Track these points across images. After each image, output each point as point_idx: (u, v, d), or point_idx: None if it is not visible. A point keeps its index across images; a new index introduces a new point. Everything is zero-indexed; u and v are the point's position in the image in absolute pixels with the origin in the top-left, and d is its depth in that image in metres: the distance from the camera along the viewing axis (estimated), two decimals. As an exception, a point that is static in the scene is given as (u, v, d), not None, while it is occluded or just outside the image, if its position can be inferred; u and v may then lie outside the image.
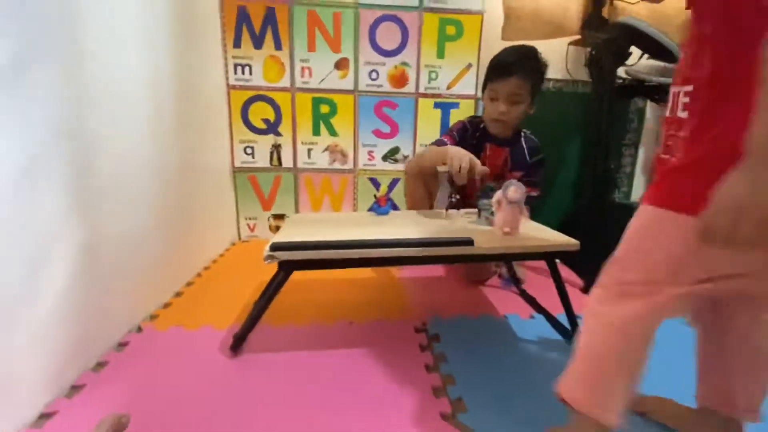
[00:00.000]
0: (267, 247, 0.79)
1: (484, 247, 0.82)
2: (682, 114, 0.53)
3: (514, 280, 1.27)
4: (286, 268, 0.81)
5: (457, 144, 1.24)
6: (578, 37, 1.58)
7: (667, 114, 0.56)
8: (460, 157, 1.04)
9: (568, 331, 0.97)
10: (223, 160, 1.64)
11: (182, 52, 1.26)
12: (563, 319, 1.02)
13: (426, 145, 1.66)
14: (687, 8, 0.54)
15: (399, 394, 0.78)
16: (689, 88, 0.52)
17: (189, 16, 1.32)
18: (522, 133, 1.31)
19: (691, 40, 0.52)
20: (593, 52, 1.40)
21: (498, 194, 0.91)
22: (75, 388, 0.77)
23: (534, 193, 1.25)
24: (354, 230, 0.93)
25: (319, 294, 1.22)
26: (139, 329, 1.00)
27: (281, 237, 0.84)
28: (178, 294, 1.21)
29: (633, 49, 1.31)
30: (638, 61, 1.33)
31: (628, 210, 1.70)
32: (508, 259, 0.86)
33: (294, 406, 0.74)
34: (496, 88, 1.20)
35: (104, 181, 0.87)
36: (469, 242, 0.82)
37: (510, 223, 0.90)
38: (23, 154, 0.65)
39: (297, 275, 0.84)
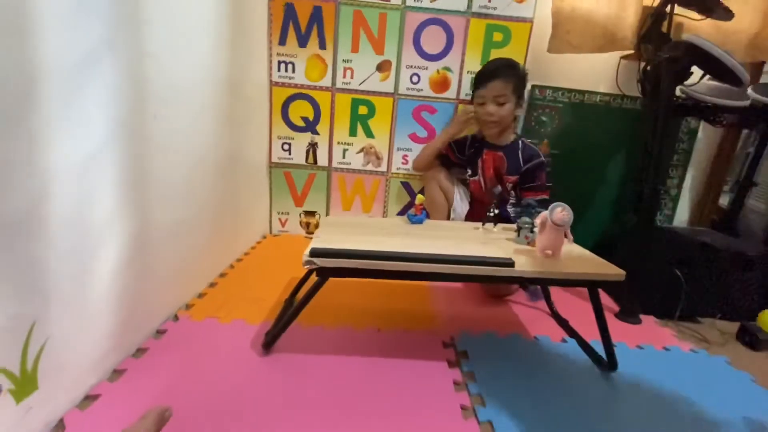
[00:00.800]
0: (306, 252, 0.80)
1: (525, 270, 0.80)
2: None
3: (546, 296, 1.24)
4: (324, 274, 0.82)
5: (453, 152, 1.55)
6: (631, 51, 1.51)
7: None
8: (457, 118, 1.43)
9: (603, 361, 0.94)
10: (261, 155, 1.67)
11: (231, 49, 1.28)
12: (596, 345, 0.99)
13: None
14: None
15: (426, 409, 0.77)
16: None
17: (238, 14, 1.35)
18: (520, 141, 1.44)
19: None
20: (648, 68, 1.33)
21: (544, 215, 0.89)
22: (117, 373, 0.81)
23: (543, 196, 1.37)
24: (389, 239, 0.93)
25: (347, 298, 1.22)
26: (176, 318, 1.04)
27: (319, 242, 0.85)
28: (211, 285, 1.25)
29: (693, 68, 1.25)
30: (699, 81, 1.26)
31: (671, 235, 1.63)
32: (548, 284, 0.83)
33: (320, 407, 0.75)
34: (482, 93, 1.40)
35: (155, 174, 0.90)
36: (509, 264, 0.80)
37: (552, 246, 0.87)
38: (83, 150, 0.68)
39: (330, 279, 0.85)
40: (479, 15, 1.58)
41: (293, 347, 0.94)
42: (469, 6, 1.57)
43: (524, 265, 0.81)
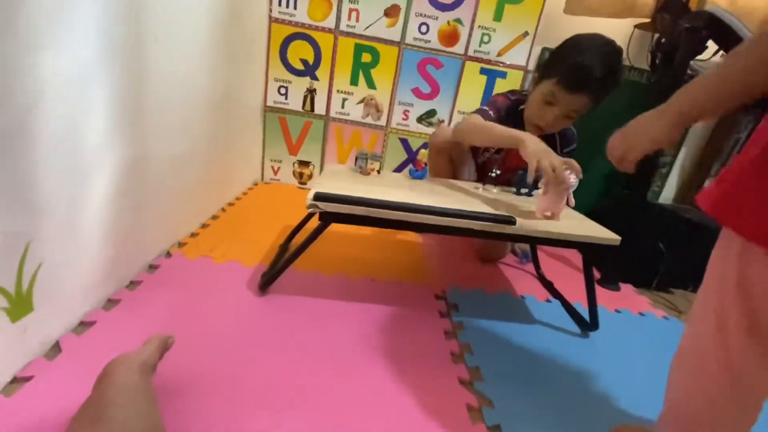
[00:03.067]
0: (310, 195, 0.78)
1: (525, 228, 0.82)
2: (755, 150, 0.49)
3: (534, 259, 1.28)
4: (327, 219, 0.81)
5: (500, 121, 1.09)
6: (647, 20, 1.47)
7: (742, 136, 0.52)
8: (546, 154, 0.85)
9: (585, 322, 0.99)
10: (256, 97, 1.60)
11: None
12: (579, 308, 1.04)
13: (465, 114, 1.60)
14: None
15: (418, 355, 0.81)
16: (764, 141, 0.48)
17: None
18: None
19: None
20: (663, 40, 1.30)
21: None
22: (111, 302, 0.80)
23: None
24: (392, 191, 0.92)
25: (343, 246, 1.23)
26: (169, 254, 1.02)
27: (322, 187, 0.83)
28: (204, 225, 1.23)
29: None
30: (711, 57, 1.24)
31: (659, 210, 1.67)
32: (546, 243, 0.85)
33: (315, 351, 0.77)
34: (559, 97, 1.02)
35: (152, 102, 0.85)
36: (511, 221, 0.81)
37: (554, 208, 0.89)
38: (76, 63, 0.62)
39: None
40: (498, -36, 1.49)
41: (288, 290, 0.95)
42: (489, -47, 1.47)
43: (525, 223, 0.82)
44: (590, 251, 0.93)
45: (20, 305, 0.60)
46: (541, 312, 1.05)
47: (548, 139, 1.14)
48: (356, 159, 1.09)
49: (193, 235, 1.16)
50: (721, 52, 1.21)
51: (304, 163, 1.74)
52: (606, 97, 1.03)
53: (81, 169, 0.67)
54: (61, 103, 0.61)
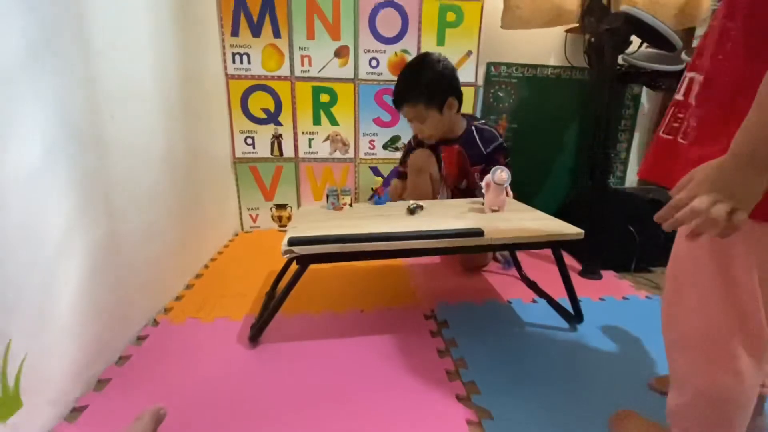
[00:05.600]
0: (285, 242, 0.81)
1: (494, 237, 0.86)
2: (692, 101, 0.55)
3: (515, 263, 1.32)
4: (303, 262, 0.84)
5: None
6: (576, 24, 1.58)
7: (678, 96, 0.58)
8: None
9: (571, 316, 1.02)
10: (224, 150, 1.64)
11: (183, 42, 1.24)
12: (564, 303, 1.07)
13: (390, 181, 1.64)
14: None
15: (414, 377, 0.82)
16: (701, 77, 0.54)
17: (186, 6, 1.30)
18: (473, 127, 1.31)
19: (714, 30, 0.53)
20: (593, 40, 1.41)
21: (487, 177, 1.03)
22: (102, 382, 0.80)
23: None
24: (363, 222, 0.96)
25: (328, 283, 1.25)
26: (155, 323, 1.02)
27: (295, 231, 0.86)
28: (188, 286, 1.23)
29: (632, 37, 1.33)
30: (638, 49, 1.35)
31: (624, 196, 1.75)
32: (515, 248, 0.89)
33: (314, 392, 0.78)
34: (402, 115, 1.31)
35: (117, 176, 0.88)
36: (479, 233, 0.85)
37: (497, 202, 1.03)
38: (31, 154, 0.65)
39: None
40: (431, -5, 1.59)
41: (279, 337, 0.96)
42: (421, -13, 1.58)
43: (492, 233, 0.86)
44: (564, 247, 0.97)
45: (8, 403, 0.60)
46: (528, 314, 1.08)
47: (470, 142, 1.30)
48: (326, 196, 1.13)
49: (178, 298, 1.16)
50: (645, 44, 1.31)
51: (281, 207, 1.77)
52: (426, 91, 1.21)
53: (49, 256, 0.68)
54: (20, 195, 0.62)
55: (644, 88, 1.80)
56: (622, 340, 0.97)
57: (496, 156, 1.29)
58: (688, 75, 0.58)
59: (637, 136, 1.89)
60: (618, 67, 1.44)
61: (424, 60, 1.25)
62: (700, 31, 1.59)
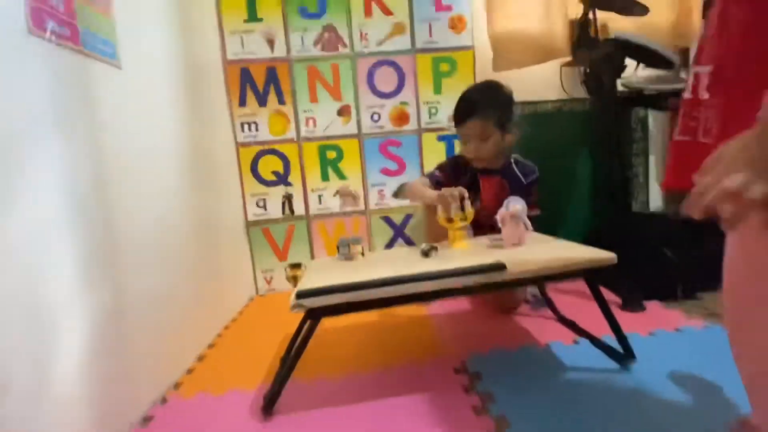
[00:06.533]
0: (293, 296, 0.76)
1: (518, 270, 0.79)
2: (704, 95, 0.51)
3: (547, 301, 1.21)
4: (315, 316, 0.77)
5: (450, 178, 1.29)
6: (569, 58, 1.62)
7: (686, 95, 0.55)
8: (447, 199, 1.06)
9: (620, 354, 0.90)
10: (236, 215, 1.65)
11: (192, 115, 1.31)
12: (608, 340, 0.95)
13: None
14: None
15: (451, 444, 0.71)
16: (709, 68, 0.51)
17: (196, 82, 1.39)
18: (512, 159, 1.31)
19: (712, 20, 0.51)
20: (588, 70, 1.42)
21: (501, 211, 0.99)
22: (100, 474, 0.71)
23: (534, 213, 1.22)
24: (374, 269, 0.90)
25: (346, 342, 1.16)
26: (164, 401, 0.95)
27: (306, 284, 0.82)
28: (200, 358, 1.16)
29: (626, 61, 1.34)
30: (634, 71, 1.35)
31: (650, 218, 1.65)
32: (544, 281, 0.82)
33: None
34: (462, 132, 1.26)
35: (123, 244, 0.87)
36: (501, 267, 0.79)
37: (516, 236, 0.96)
38: (35, 221, 0.64)
39: (322, 324, 0.80)
40: (424, 50, 1.68)
41: (297, 406, 0.86)
42: (413, 43, 1.67)
43: (516, 266, 0.79)
44: (598, 277, 0.88)
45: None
46: (571, 356, 0.96)
47: (510, 174, 1.27)
48: (338, 247, 1.09)
49: (189, 371, 1.09)
50: (641, 66, 1.31)
51: (296, 266, 1.74)
52: (498, 109, 1.21)
53: (47, 329, 0.65)
54: (19, 263, 0.61)
55: (649, 111, 1.78)
56: (686, 379, 0.83)
57: (532, 188, 1.28)
58: (693, 71, 0.55)
59: (652, 158, 1.84)
60: (619, 93, 1.44)
61: (495, 83, 1.27)
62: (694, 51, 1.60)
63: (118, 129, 0.89)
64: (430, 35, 1.67)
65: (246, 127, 1.66)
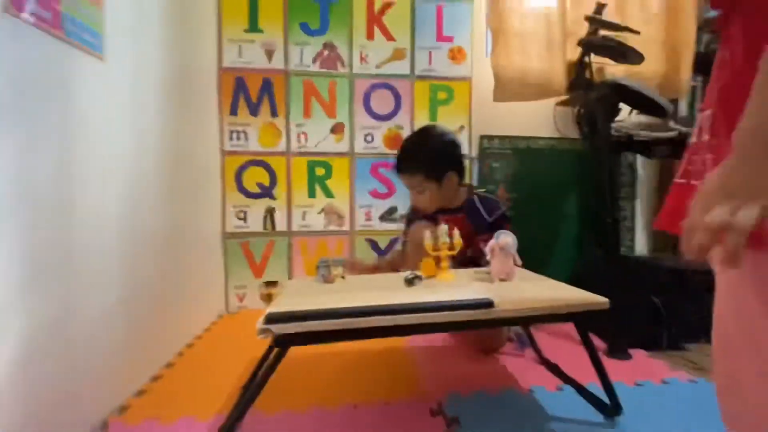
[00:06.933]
0: (261, 320, 0.69)
1: (506, 309, 0.74)
2: (705, 137, 0.50)
3: (531, 342, 1.16)
4: (284, 344, 0.70)
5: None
6: (564, 97, 1.65)
7: (692, 140, 0.53)
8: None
9: (605, 405, 0.85)
10: (214, 225, 1.58)
11: (179, 119, 1.26)
12: (593, 388, 0.90)
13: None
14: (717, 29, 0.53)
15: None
16: (710, 111, 0.50)
17: (187, 86, 1.35)
18: (475, 196, 1.26)
19: (716, 65, 0.51)
20: (582, 111, 1.44)
21: (491, 243, 0.95)
22: None
23: None
24: (355, 295, 0.84)
25: (316, 372, 1.08)
26: (104, 426, 0.84)
27: (278, 307, 0.75)
28: (155, 378, 1.06)
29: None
30: (628, 115, 1.37)
31: (641, 264, 1.64)
32: (532, 321, 0.77)
33: None
34: (404, 183, 1.27)
35: (80, 248, 0.79)
36: (488, 304, 0.74)
37: (505, 270, 0.93)
38: None
39: (291, 351, 0.73)
40: (422, 77, 1.69)
41: (253, 442, 0.77)
42: (412, 70, 1.68)
43: (504, 304, 0.74)
44: (585, 322, 0.84)
45: None
46: (555, 404, 0.90)
47: (473, 211, 1.24)
48: (317, 268, 1.03)
49: (139, 393, 0.98)
50: (635, 112, 1.33)
51: (271, 283, 1.65)
52: (425, 163, 1.20)
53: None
54: None
55: (638, 157, 1.81)
56: (675, 437, 0.79)
57: (501, 224, 1.18)
58: (699, 116, 0.54)
59: (638, 203, 1.85)
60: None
61: (426, 132, 1.28)
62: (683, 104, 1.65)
63: (94, 123, 0.83)
64: (430, 63, 1.68)
65: (235, 135, 1.61)
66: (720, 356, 0.46)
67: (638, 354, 1.19)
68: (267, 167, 1.63)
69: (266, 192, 1.63)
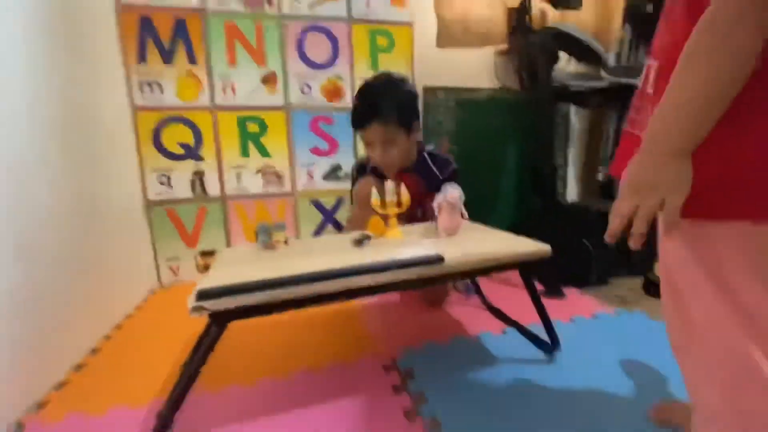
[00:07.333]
0: (191, 297, 0.61)
1: (455, 264, 0.73)
2: (650, 89, 0.50)
3: (477, 290, 1.20)
4: (220, 320, 0.64)
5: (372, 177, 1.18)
6: (505, 46, 1.62)
7: (639, 84, 0.53)
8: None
9: (547, 344, 0.91)
10: (132, 193, 1.39)
11: (68, 69, 1.04)
12: (534, 328, 0.96)
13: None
14: None
15: (379, 456, 0.64)
16: (656, 63, 0.49)
17: (75, 27, 1.11)
18: (425, 153, 1.20)
19: (664, 13, 0.49)
20: (523, 58, 1.42)
21: (438, 197, 0.94)
22: None
23: None
24: (299, 261, 0.78)
25: (261, 342, 1.03)
26: (19, 427, 0.74)
27: (211, 280, 0.67)
28: (77, 367, 0.94)
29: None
30: (567, 63, 1.38)
31: (574, 209, 1.73)
32: (481, 274, 0.78)
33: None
34: (365, 136, 1.12)
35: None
36: (439, 260, 0.72)
37: (452, 224, 0.93)
38: None
39: (232, 323, 0.67)
40: (360, 21, 1.55)
41: (202, 423, 0.72)
42: (349, 12, 1.53)
43: (454, 259, 0.73)
44: (529, 269, 0.87)
45: None
46: (501, 347, 0.95)
47: (425, 170, 1.18)
48: (257, 234, 0.94)
49: (60, 385, 0.87)
50: (572, 59, 1.34)
51: (208, 253, 1.53)
52: (399, 114, 1.08)
53: None
54: None
55: (572, 107, 1.88)
56: (606, 365, 0.87)
57: (452, 180, 1.16)
58: (648, 62, 0.53)
59: (571, 153, 1.95)
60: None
61: (391, 77, 1.14)
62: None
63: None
64: (368, 5, 1.54)
65: (147, 87, 1.38)
66: (669, 303, 0.51)
67: (571, 292, 1.29)
68: (189, 124, 1.44)
69: (191, 153, 1.46)
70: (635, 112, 0.54)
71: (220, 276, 0.69)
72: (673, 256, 0.49)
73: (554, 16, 1.57)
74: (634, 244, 0.45)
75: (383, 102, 1.07)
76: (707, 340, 0.46)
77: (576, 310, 1.15)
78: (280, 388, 0.83)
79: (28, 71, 0.90)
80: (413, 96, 1.14)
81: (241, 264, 0.80)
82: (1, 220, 0.76)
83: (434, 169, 1.18)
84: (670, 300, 0.50)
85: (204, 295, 0.60)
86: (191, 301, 0.61)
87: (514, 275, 1.32)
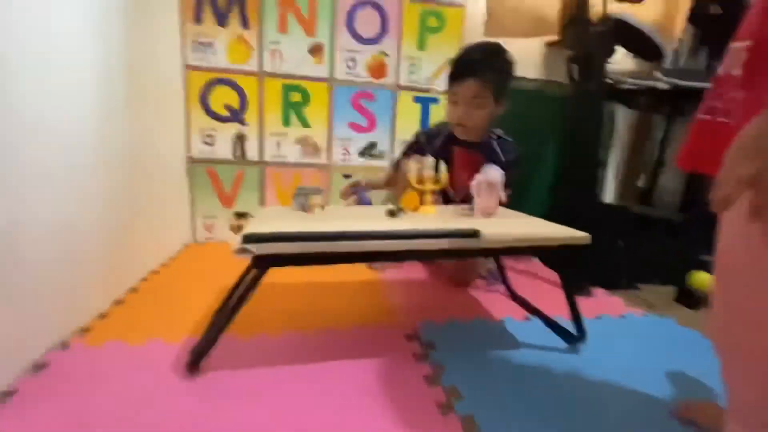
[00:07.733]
0: (239, 238, 0.64)
1: (491, 239, 0.73)
2: (736, 71, 0.47)
3: (502, 277, 1.20)
4: (262, 265, 0.67)
5: (423, 146, 1.22)
6: (556, 37, 1.57)
7: (719, 72, 0.50)
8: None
9: (571, 335, 0.90)
10: (177, 149, 1.44)
11: (133, 26, 1.09)
12: (559, 320, 0.95)
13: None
14: None
15: (401, 412, 0.66)
16: (746, 43, 0.46)
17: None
18: (493, 136, 1.19)
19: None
20: (578, 50, 1.38)
21: (478, 177, 0.92)
22: (-36, 429, 0.57)
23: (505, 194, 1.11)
24: (334, 223, 0.80)
25: (292, 299, 1.06)
26: (65, 346, 0.80)
27: (254, 226, 0.70)
28: (118, 302, 1.01)
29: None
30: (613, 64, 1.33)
31: (611, 210, 1.67)
32: (515, 253, 0.77)
33: (271, 436, 0.59)
34: (456, 91, 1.10)
35: (21, 162, 0.68)
36: (474, 234, 0.72)
37: (489, 206, 0.91)
38: None
39: (265, 278, 0.69)
40: (413, -1, 1.54)
41: (229, 364, 0.76)
42: (402, -11, 1.52)
43: (489, 234, 0.73)
44: (556, 258, 0.85)
45: None
46: (523, 333, 0.95)
47: (489, 150, 1.16)
48: (295, 196, 0.97)
49: (102, 316, 0.93)
50: (628, 55, 1.29)
51: (242, 215, 1.58)
52: (500, 75, 1.10)
53: None
54: None
55: (619, 107, 1.81)
56: (630, 362, 0.85)
57: (510, 170, 1.12)
58: (731, 48, 0.50)
59: (612, 152, 1.88)
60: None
61: (498, 47, 1.12)
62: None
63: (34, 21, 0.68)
64: (422, -17, 1.53)
65: (200, 48, 1.43)
66: (722, 295, 0.48)
67: (598, 292, 1.27)
68: (237, 87, 1.48)
69: (236, 116, 1.50)
70: (715, 99, 0.51)
71: (262, 225, 0.72)
72: (741, 241, 0.44)
73: (612, 11, 1.50)
74: (754, 217, 0.36)
75: (485, 62, 1.08)
76: (759, 335, 0.45)
77: (604, 308, 1.13)
78: (305, 341, 0.86)
79: (96, 24, 0.94)
80: (511, 68, 1.13)
81: (279, 220, 0.83)
82: (53, 153, 0.80)
83: (498, 151, 1.16)
84: (724, 290, 0.48)
85: (251, 238, 0.63)
86: (237, 242, 0.64)
87: (540, 269, 1.30)
